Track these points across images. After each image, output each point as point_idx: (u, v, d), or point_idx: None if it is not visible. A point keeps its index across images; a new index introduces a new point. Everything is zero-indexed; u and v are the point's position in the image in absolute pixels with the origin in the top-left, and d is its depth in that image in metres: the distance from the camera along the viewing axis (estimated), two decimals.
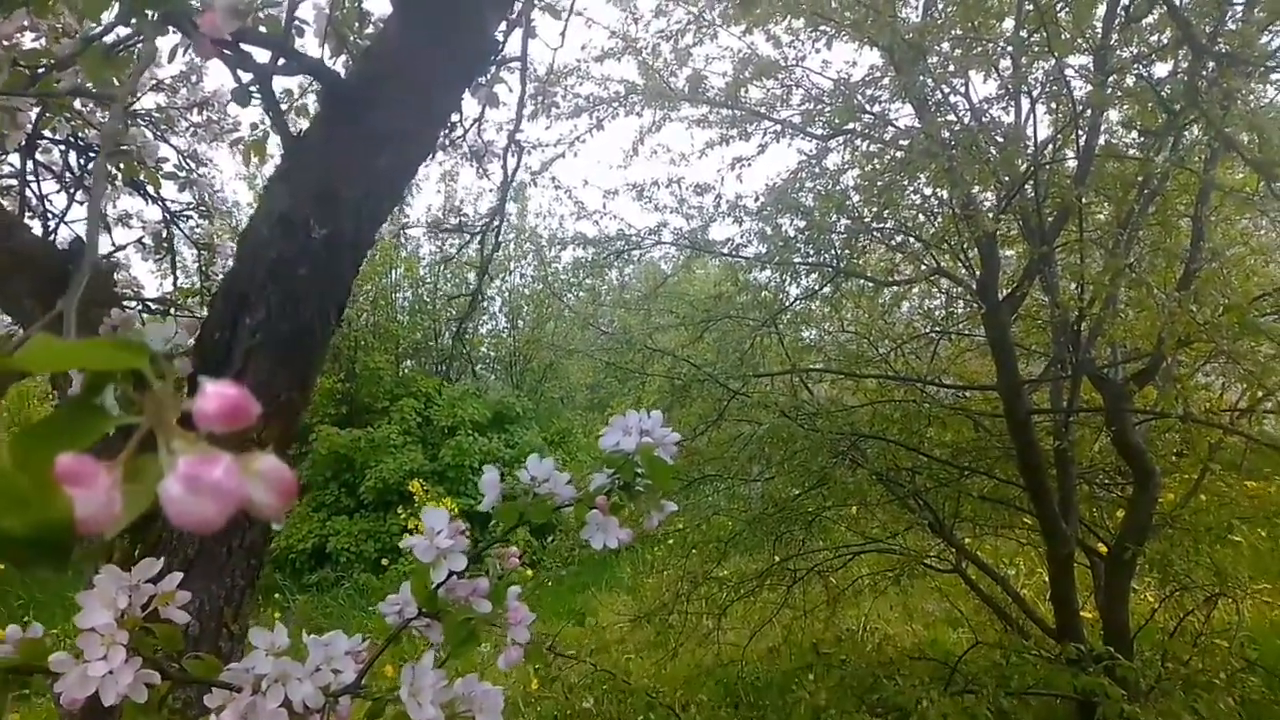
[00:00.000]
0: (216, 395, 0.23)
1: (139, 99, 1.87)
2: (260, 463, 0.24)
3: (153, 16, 0.76)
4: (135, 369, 0.24)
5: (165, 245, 1.99)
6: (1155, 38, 2.64)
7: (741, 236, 3.58)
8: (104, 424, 0.25)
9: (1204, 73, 2.25)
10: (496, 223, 2.26)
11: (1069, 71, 2.65)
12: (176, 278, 2.07)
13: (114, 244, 1.87)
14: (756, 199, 3.51)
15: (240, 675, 0.66)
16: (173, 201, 1.95)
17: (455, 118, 1.90)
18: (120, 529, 0.24)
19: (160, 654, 0.65)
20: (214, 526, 0.23)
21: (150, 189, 1.81)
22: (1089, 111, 2.61)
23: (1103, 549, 3.35)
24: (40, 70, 1.04)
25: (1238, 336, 2.39)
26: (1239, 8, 2.46)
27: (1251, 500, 3.21)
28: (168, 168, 1.79)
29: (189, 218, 2.03)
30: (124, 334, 1.09)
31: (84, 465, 0.23)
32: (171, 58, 1.05)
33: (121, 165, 1.59)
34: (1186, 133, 2.70)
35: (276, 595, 6.29)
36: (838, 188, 3.46)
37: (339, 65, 1.27)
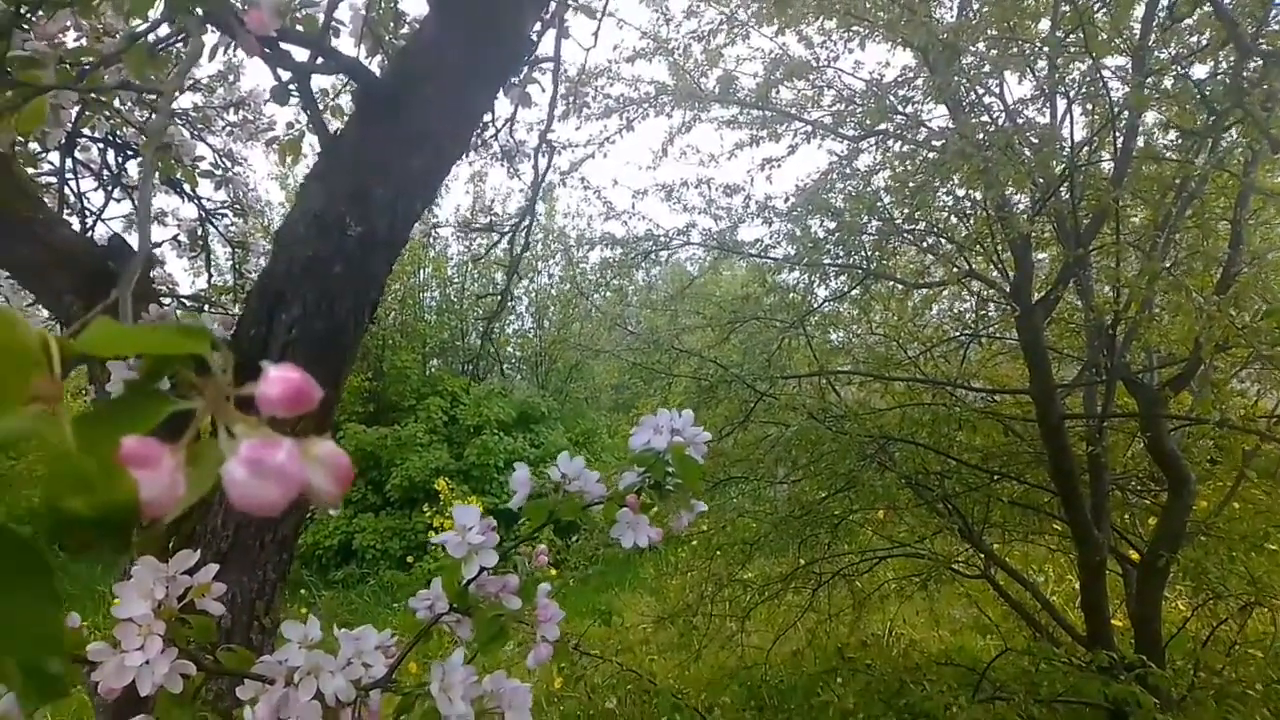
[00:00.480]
0: (280, 380, 0.23)
1: (181, 94, 1.90)
2: (319, 448, 0.24)
3: (195, 11, 0.77)
4: (194, 354, 0.24)
5: (200, 243, 2.02)
6: (1195, 38, 2.60)
7: (770, 238, 3.58)
8: (165, 408, 0.25)
9: (1245, 73, 2.21)
10: (526, 222, 2.27)
11: (1106, 72, 2.61)
12: (210, 275, 2.10)
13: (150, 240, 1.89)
14: (786, 200, 3.50)
15: (273, 667, 0.66)
16: (208, 199, 1.98)
17: (487, 117, 1.91)
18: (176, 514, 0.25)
19: (194, 645, 0.66)
20: (276, 510, 0.23)
21: (186, 187, 1.84)
22: (1126, 113, 2.58)
23: (1135, 556, 3.30)
24: (85, 67, 1.05)
25: (1277, 341, 2.35)
26: None
27: None
28: (204, 166, 1.82)
29: (223, 216, 2.05)
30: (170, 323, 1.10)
31: (149, 448, 0.23)
32: (212, 56, 1.06)
33: (159, 163, 1.61)
34: (1226, 135, 2.65)
35: (302, 591, 6.35)
36: (869, 189, 3.44)
37: (374, 65, 1.28)
